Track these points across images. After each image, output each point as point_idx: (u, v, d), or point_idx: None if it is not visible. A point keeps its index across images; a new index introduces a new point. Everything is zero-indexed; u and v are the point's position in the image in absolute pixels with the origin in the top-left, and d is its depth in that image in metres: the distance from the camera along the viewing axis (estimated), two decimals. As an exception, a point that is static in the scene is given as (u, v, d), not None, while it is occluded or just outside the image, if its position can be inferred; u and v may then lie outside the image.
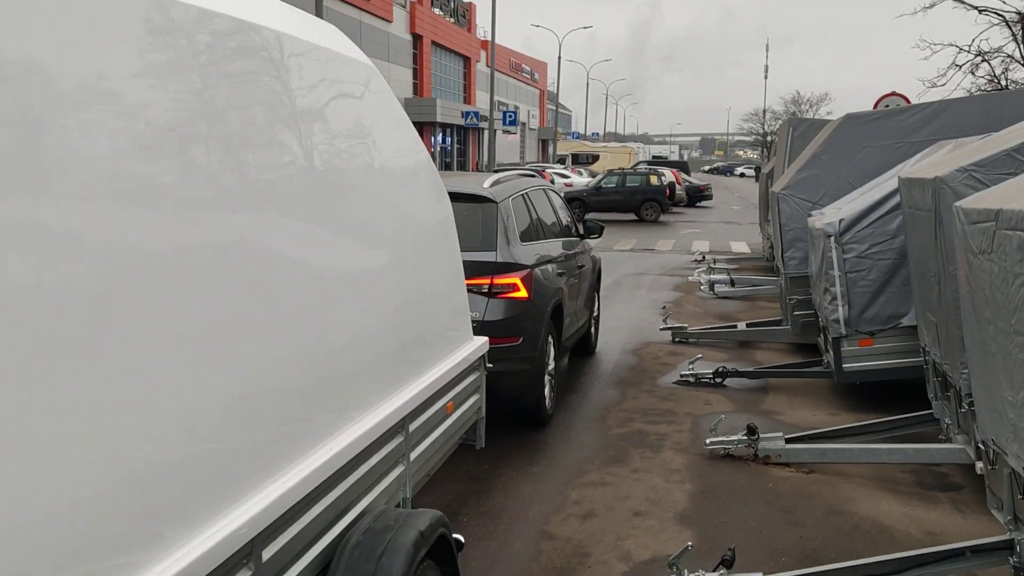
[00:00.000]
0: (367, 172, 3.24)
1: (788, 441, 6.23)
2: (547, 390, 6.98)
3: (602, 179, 33.61)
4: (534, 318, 6.60)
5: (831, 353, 7.67)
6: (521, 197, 7.24)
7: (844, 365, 7.45)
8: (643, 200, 31.18)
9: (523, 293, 6.46)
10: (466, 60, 60.27)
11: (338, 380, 2.86)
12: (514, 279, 6.41)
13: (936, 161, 6.47)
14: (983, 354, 4.26)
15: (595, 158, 57.93)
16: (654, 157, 64.83)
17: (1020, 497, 3.98)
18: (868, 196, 7.60)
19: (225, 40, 2.33)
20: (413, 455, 3.50)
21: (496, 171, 7.92)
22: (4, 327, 1.54)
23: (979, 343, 4.31)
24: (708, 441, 6.36)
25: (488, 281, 6.28)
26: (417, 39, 50.74)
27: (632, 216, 30.74)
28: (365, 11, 42.13)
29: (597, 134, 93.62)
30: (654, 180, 31.89)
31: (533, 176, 8.28)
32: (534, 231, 7.30)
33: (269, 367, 2.44)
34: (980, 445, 4.51)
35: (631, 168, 39.76)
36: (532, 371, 6.58)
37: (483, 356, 4.62)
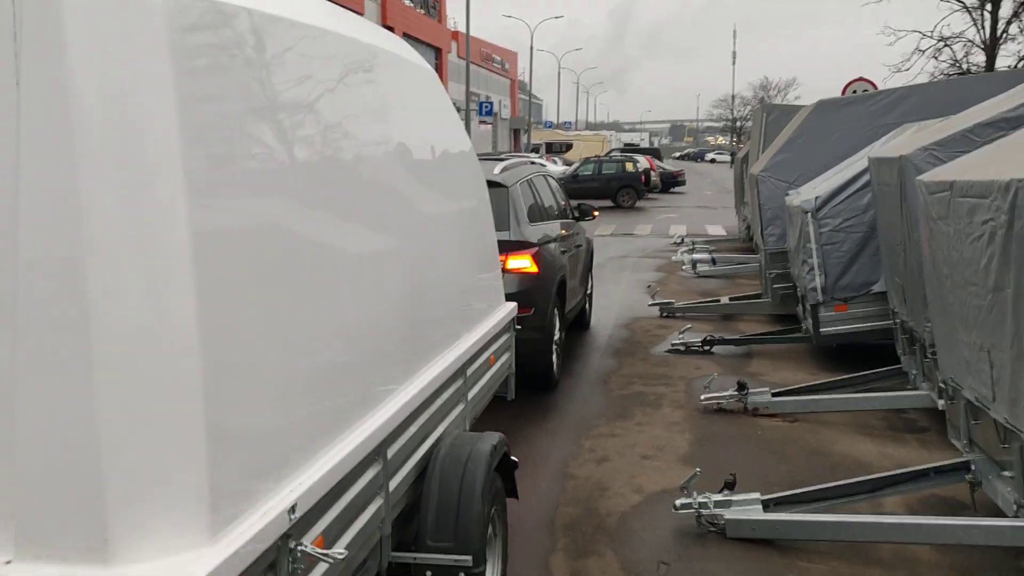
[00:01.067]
0: (443, 162, 3.94)
1: (774, 395, 6.96)
2: (554, 357, 7.68)
3: (579, 167, 34.31)
4: (543, 291, 7.28)
5: (809, 319, 8.43)
6: (527, 182, 7.92)
7: (821, 329, 8.21)
8: (619, 187, 31.92)
9: (533, 268, 7.15)
10: (437, 51, 60.66)
11: (430, 323, 3.56)
12: (526, 256, 7.09)
13: (901, 142, 7.21)
14: (942, 306, 5.01)
15: (568, 147, 58.59)
16: (625, 145, 65.54)
17: (973, 423, 4.73)
18: (841, 175, 8.35)
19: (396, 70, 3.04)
20: (469, 395, 4.18)
21: (499, 158, 8.57)
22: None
23: (939, 297, 5.06)
24: (703, 397, 7.08)
25: (503, 258, 6.94)
26: (389, 30, 51.17)
27: (609, 202, 31.45)
28: (336, 3, 42.49)
29: (569, 123, 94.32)
30: (629, 167, 32.65)
31: (534, 163, 8.96)
32: (538, 213, 7.98)
33: (396, 311, 3.14)
34: (942, 385, 5.26)
35: (605, 156, 40.49)
36: (542, 339, 7.26)
37: (513, 319, 5.29)
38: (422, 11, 57.48)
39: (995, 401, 4.24)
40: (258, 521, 2.05)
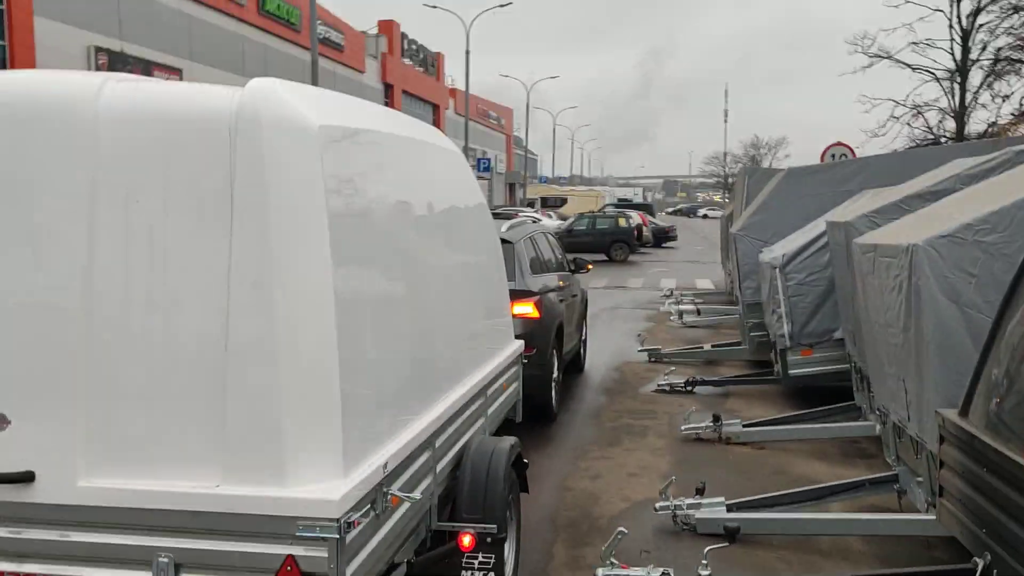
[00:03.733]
0: (473, 224, 5.07)
1: (745, 426, 8.01)
2: (553, 393, 8.73)
3: (574, 221, 35.58)
4: (543, 334, 8.35)
5: (779, 362, 9.50)
6: (530, 239, 9.05)
7: (789, 371, 9.28)
8: (612, 241, 33.15)
9: (535, 314, 8.23)
10: (435, 107, 62.37)
11: (466, 349, 4.67)
12: (529, 303, 8.18)
13: (853, 207, 8.35)
14: (873, 346, 6.09)
15: (563, 201, 60.11)
16: (619, 200, 67.13)
17: (899, 441, 5.79)
18: (805, 235, 9.49)
19: (422, 152, 4.17)
20: (488, 411, 5.23)
21: (507, 217, 9.70)
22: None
23: (871, 338, 6.14)
24: (682, 427, 8.13)
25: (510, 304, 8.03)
26: (388, 88, 52.74)
27: (602, 256, 32.64)
28: (339, 63, 44.07)
29: (564, 178, 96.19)
30: (622, 222, 33.94)
31: (535, 222, 10.09)
32: (539, 266, 9.09)
33: (447, 337, 4.24)
34: (877, 411, 6.33)
35: (599, 211, 41.81)
36: (543, 377, 8.32)
37: (520, 354, 6.36)
38: (421, 69, 59.35)
39: (910, 420, 5.31)
40: (367, 469, 3.09)
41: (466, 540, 3.87)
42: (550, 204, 58.92)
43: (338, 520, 2.81)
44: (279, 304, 2.89)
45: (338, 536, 2.81)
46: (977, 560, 3.71)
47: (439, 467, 4.10)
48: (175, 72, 29.27)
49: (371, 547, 3.17)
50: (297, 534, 2.81)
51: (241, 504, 2.84)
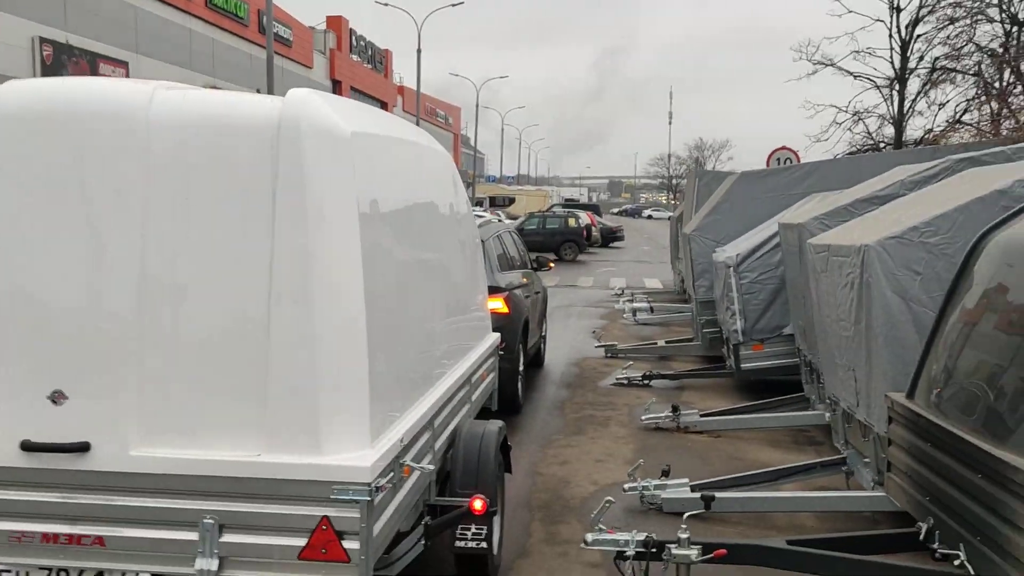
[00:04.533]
0: (460, 221, 5.40)
1: (702, 416, 8.48)
2: (519, 386, 9.10)
3: (524, 221, 36.01)
4: (512, 329, 8.72)
5: (732, 357, 10.00)
6: (497, 237, 9.41)
7: (742, 365, 9.79)
8: (562, 241, 33.68)
9: (505, 309, 8.60)
10: (383, 105, 62.36)
11: (457, 338, 5.00)
12: (499, 299, 8.54)
13: (804, 210, 8.87)
14: (825, 339, 6.58)
15: (512, 201, 60.46)
16: (566, 200, 67.73)
17: (847, 426, 6.28)
18: (757, 236, 10.01)
19: (422, 155, 4.50)
20: (472, 397, 5.58)
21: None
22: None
23: (823, 332, 6.63)
24: (643, 417, 8.56)
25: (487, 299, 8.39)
26: (336, 85, 52.67)
27: (552, 255, 33.12)
28: (287, 58, 43.93)
29: (511, 178, 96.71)
30: (572, 222, 34.51)
31: (501, 221, 10.46)
32: (507, 263, 9.46)
33: (443, 326, 4.58)
34: (827, 400, 6.82)
35: (548, 211, 42.34)
36: (511, 369, 8.68)
37: (497, 345, 6.72)
38: (369, 66, 59.37)
39: (859, 406, 5.79)
40: (388, 442, 3.44)
41: (477, 504, 4.20)
42: (498, 204, 59.25)
43: (369, 484, 3.14)
44: (316, 292, 3.21)
45: (369, 498, 3.15)
46: (921, 524, 4.17)
47: (436, 446, 4.45)
48: (121, 65, 29.03)
49: (389, 512, 3.51)
50: (332, 497, 3.14)
51: (281, 471, 3.16)
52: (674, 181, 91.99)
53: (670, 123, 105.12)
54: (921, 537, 4.14)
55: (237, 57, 38.28)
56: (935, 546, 3.98)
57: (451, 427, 4.86)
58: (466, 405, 5.34)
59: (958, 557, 3.77)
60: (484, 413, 6.33)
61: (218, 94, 3.51)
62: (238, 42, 38.52)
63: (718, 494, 6.11)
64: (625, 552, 4.22)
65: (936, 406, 4.26)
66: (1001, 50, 22.91)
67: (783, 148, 20.31)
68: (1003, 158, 6.75)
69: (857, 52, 24.59)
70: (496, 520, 5.00)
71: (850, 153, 23.93)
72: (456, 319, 5.18)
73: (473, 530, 4.54)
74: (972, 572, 3.69)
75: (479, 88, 66.09)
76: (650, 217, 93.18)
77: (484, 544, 4.53)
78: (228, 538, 3.19)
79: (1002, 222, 4.42)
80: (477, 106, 64.77)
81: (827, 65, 24.93)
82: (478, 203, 58.47)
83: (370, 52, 59.36)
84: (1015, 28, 22.72)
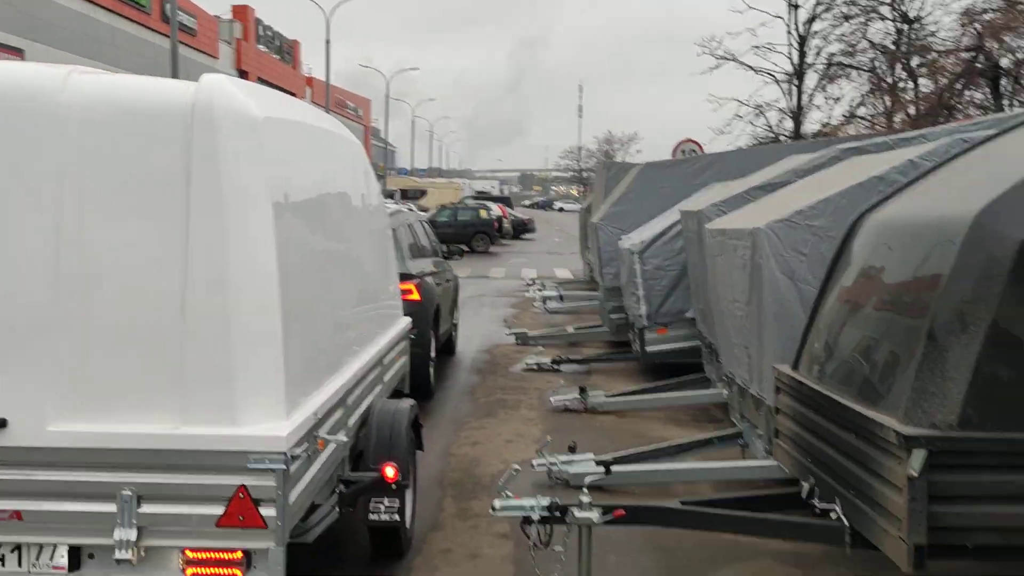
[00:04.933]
0: (371, 207, 5.54)
1: (608, 397, 8.78)
2: (431, 371, 9.26)
3: (436, 213, 36.07)
4: (423, 316, 8.87)
5: (638, 341, 10.35)
6: (408, 225, 9.55)
7: (647, 348, 10.15)
8: (474, 232, 33.87)
9: (416, 296, 8.75)
10: (292, 96, 61.51)
11: (369, 319, 5.16)
12: (410, 285, 8.68)
13: (704, 198, 9.25)
14: (721, 319, 6.93)
15: (423, 193, 60.33)
16: (477, 192, 67.92)
17: (743, 400, 6.64)
18: (660, 224, 10.37)
19: (333, 143, 4.62)
20: (385, 378, 5.73)
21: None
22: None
23: (719, 313, 6.98)
24: (552, 399, 8.83)
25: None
26: (243, 75, 51.64)
27: (464, 247, 33.26)
28: (192, 48, 42.98)
29: (423, 170, 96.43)
30: (483, 214, 34.76)
31: (411, 211, 10.60)
32: (418, 251, 9.61)
33: (357, 306, 4.72)
34: (725, 378, 7.17)
35: (460, 203, 42.49)
36: (423, 355, 8.84)
37: (409, 329, 6.88)
38: (277, 57, 58.48)
39: (752, 381, 6.14)
40: (302, 415, 3.58)
41: (389, 471, 4.35)
42: (410, 196, 59.03)
43: (284, 453, 3.28)
44: (231, 273, 3.34)
45: (284, 467, 3.29)
46: (804, 484, 4.50)
47: (350, 422, 4.59)
48: (16, 52, 27.99)
49: (305, 482, 3.65)
50: (249, 466, 3.27)
51: (198, 442, 3.28)
52: (584, 174, 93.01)
53: (580, 116, 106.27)
54: (804, 495, 4.47)
55: (140, 46, 37.25)
56: (815, 502, 4.31)
57: (364, 405, 5.00)
58: (378, 385, 5.48)
59: (835, 511, 4.10)
60: (397, 396, 6.49)
61: (133, 79, 3.59)
62: (140, 31, 37.52)
63: (622, 467, 6.41)
64: (531, 517, 4.43)
65: (817, 376, 4.60)
66: (893, 47, 24.01)
67: (688, 140, 20.92)
68: (885, 147, 7.19)
69: (757, 48, 25.42)
70: (409, 495, 5.16)
71: (752, 146, 24.75)
72: (367, 303, 5.32)
73: (386, 503, 4.70)
74: (846, 523, 4.02)
75: (389, 80, 65.86)
76: (561, 209, 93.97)
77: (397, 516, 4.70)
78: (147, 508, 3.29)
79: (876, 205, 4.78)
80: (388, 98, 64.49)
81: (729, 60, 25.69)
82: (389, 195, 58.13)
83: (278, 43, 58.43)
84: (906, 26, 23.81)
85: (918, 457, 3.38)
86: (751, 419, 6.51)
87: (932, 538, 3.44)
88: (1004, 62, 21.84)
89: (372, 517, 4.68)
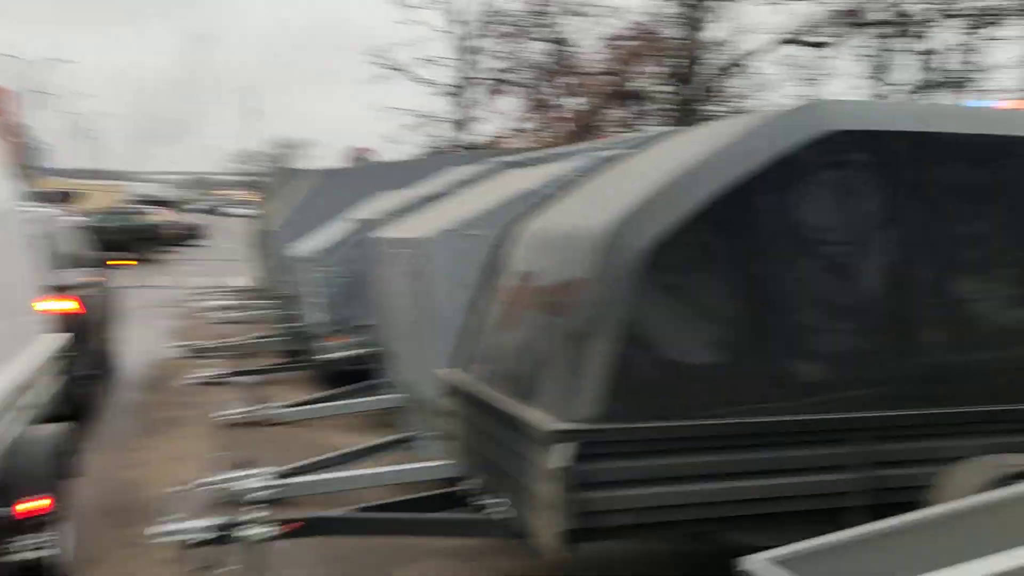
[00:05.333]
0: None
1: (283, 408, 8.67)
2: (90, 389, 8.61)
3: (98, 217, 33.41)
4: (82, 330, 8.22)
5: (315, 350, 10.30)
6: (57, 233, 8.81)
7: (324, 357, 10.12)
8: (137, 239, 31.73)
9: (71, 309, 8.10)
10: None
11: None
12: (60, 298, 8.01)
13: (376, 206, 9.42)
14: (391, 328, 7.11)
15: (79, 195, 55.55)
16: (141, 196, 63.78)
17: (416, 404, 6.85)
18: (336, 231, 10.40)
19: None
20: (20, 403, 5.24)
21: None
22: None
23: (393, 320, 7.16)
24: (223, 414, 8.55)
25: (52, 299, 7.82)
26: None
27: (126, 254, 31.10)
28: None
29: (85, 171, 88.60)
30: (149, 219, 32.71)
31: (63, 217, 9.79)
32: (68, 261, 8.89)
33: None
34: (400, 383, 7.37)
35: (122, 206, 39.64)
36: (82, 372, 8.19)
37: (59, 347, 6.36)
38: None
39: (422, 386, 6.36)
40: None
41: (19, 508, 4.00)
42: (62, 198, 54.13)
43: None
44: None
45: None
46: (471, 481, 4.76)
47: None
48: None
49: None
50: None
51: None
52: (258, 178, 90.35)
53: (256, 120, 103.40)
54: (472, 492, 4.73)
55: None
56: (481, 499, 4.58)
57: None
58: (10, 411, 5.02)
59: (498, 505, 4.38)
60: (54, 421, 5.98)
61: None
62: None
63: (298, 478, 6.37)
64: (194, 539, 4.30)
65: (479, 377, 4.88)
66: (550, 66, 25.79)
67: (363, 148, 21.17)
68: (540, 162, 7.77)
69: (421, 59, 26.20)
70: (65, 527, 4.80)
71: (426, 155, 25.48)
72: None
73: (44, 539, 4.35)
74: (509, 516, 4.32)
75: (35, 71, 59.74)
76: (234, 215, 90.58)
77: (40, 553, 4.35)
78: None
79: (527, 215, 5.17)
80: (36, 90, 58.46)
81: (396, 70, 26.22)
82: (38, 197, 52.96)
83: None
84: (558, 47, 25.67)
85: (562, 449, 3.72)
86: (425, 422, 6.74)
87: (578, 523, 3.80)
88: (638, 85, 24.31)
89: (14, 557, 4.29)
